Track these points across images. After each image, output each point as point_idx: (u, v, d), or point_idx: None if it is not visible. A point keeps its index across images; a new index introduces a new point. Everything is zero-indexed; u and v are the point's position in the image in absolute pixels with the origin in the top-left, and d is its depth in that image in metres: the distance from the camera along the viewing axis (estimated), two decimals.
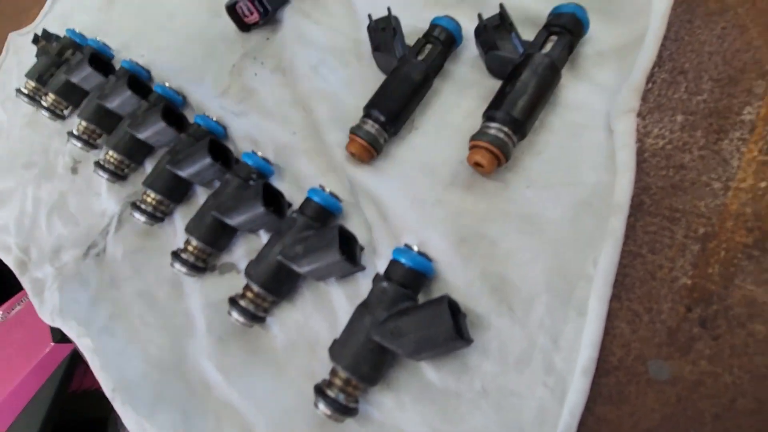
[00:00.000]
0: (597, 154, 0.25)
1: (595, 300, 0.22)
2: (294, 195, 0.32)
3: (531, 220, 0.25)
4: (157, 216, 0.35)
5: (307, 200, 0.28)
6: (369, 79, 0.33)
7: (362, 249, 0.27)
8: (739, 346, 0.20)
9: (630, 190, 0.23)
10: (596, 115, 0.26)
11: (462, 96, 0.31)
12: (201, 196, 0.36)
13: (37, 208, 0.43)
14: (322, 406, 0.23)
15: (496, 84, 0.28)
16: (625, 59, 0.27)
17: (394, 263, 0.24)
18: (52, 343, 1.25)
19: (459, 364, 0.23)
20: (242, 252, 0.32)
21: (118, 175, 0.38)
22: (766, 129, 0.23)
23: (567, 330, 0.22)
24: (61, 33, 0.51)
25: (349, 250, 0.26)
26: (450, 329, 0.21)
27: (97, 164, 0.38)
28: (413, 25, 0.33)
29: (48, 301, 0.37)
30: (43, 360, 1.22)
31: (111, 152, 0.38)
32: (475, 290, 0.25)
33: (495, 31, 0.28)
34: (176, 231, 0.35)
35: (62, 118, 0.47)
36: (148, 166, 0.39)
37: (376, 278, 0.25)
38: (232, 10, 0.39)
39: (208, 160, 0.32)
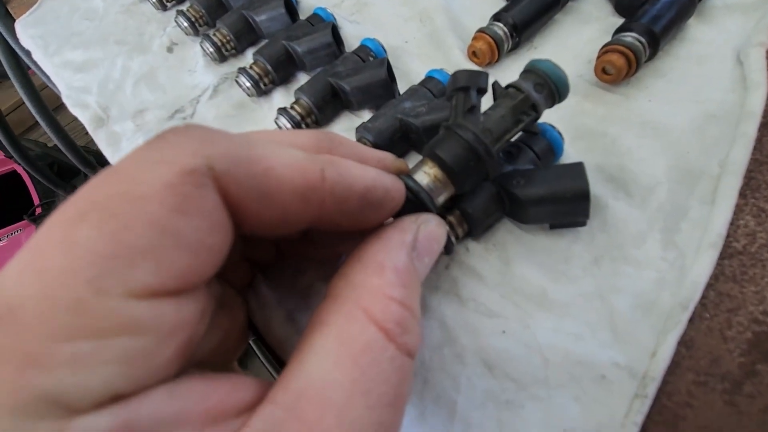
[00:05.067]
0: (723, 80, 0.26)
1: (723, 189, 0.22)
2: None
3: (652, 126, 0.26)
4: (261, 87, 0.35)
5: (428, 77, 0.29)
6: (490, 4, 0.35)
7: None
8: None
9: (763, 103, 0.24)
10: (723, 50, 0.27)
11: (584, 27, 0.32)
12: (302, 83, 0.36)
13: (124, 76, 0.43)
14: None
15: (618, 21, 0.30)
16: (751, 15, 0.29)
17: (532, 135, 0.25)
18: None
19: (571, 236, 0.23)
20: (341, 127, 0.32)
21: (221, 52, 0.39)
22: None
23: (689, 215, 0.22)
24: None
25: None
26: (584, 187, 0.21)
27: (206, 36, 0.39)
28: None
29: (125, 150, 0.37)
30: None
31: (221, 29, 0.39)
32: (591, 178, 0.25)
33: None
34: (273, 107, 0.36)
35: (165, 9, 0.49)
36: (248, 56, 0.40)
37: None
38: None
39: (329, 39, 0.33)
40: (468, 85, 0.20)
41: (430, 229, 0.17)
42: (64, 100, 0.45)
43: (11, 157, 1.13)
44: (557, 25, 0.33)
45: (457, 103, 0.21)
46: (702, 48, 0.28)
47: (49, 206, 1.24)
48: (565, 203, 0.22)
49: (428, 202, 0.19)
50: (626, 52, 0.26)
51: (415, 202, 0.19)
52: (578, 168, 0.22)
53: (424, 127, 0.26)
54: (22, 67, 0.69)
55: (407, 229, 0.16)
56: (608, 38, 0.28)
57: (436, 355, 0.22)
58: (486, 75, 0.21)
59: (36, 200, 1.21)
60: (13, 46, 0.62)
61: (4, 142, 0.79)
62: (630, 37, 0.26)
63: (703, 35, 0.29)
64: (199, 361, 0.15)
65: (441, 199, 0.20)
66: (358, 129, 0.28)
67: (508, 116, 0.20)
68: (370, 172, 0.16)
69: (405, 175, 0.19)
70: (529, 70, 0.21)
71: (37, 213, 1.22)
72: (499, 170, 0.20)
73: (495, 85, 0.22)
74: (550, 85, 0.20)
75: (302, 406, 0.11)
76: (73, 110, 0.43)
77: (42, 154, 1.18)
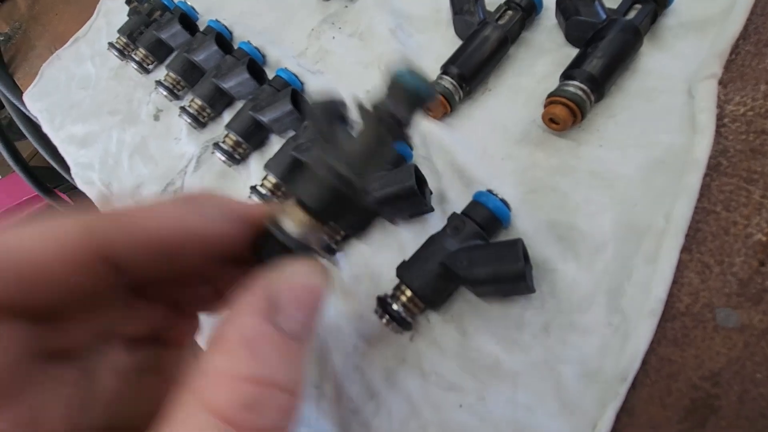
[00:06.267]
0: (674, 118, 0.26)
1: (667, 247, 0.22)
2: None
3: (602, 176, 0.26)
4: (236, 157, 0.37)
5: None
6: (445, 44, 0.35)
7: (431, 193, 0.29)
8: None
9: (708, 149, 0.24)
10: (675, 82, 0.27)
11: (537, 62, 0.32)
12: (275, 145, 0.38)
13: (120, 149, 0.47)
14: (384, 316, 0.25)
15: (572, 52, 0.29)
16: (708, 32, 0.27)
17: (474, 204, 0.26)
18: None
19: (522, 302, 0.25)
20: None
21: (199, 120, 0.41)
22: None
23: (634, 277, 0.23)
24: None
25: (420, 191, 0.28)
26: (520, 271, 0.22)
27: (182, 109, 0.41)
28: None
29: None
30: None
31: (195, 99, 0.41)
32: (542, 237, 0.26)
33: None
34: (250, 174, 0.38)
35: (148, 72, 0.51)
36: (226, 117, 0.42)
37: (453, 216, 0.26)
38: None
39: (289, 107, 0.35)
40: (323, 117, 0.18)
41: (297, 281, 0.14)
42: (73, 176, 0.49)
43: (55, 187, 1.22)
44: (510, 60, 0.33)
45: (316, 134, 0.18)
46: (653, 81, 0.27)
47: None
48: (505, 283, 0.23)
49: (300, 249, 0.17)
50: (569, 104, 0.26)
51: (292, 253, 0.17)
52: (515, 248, 0.22)
53: (378, 201, 0.27)
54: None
55: (257, 290, 0.14)
56: (560, 72, 0.28)
57: (404, 428, 0.24)
58: (341, 102, 0.19)
59: None
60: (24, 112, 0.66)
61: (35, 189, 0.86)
62: (572, 86, 0.26)
63: (655, 64, 0.28)
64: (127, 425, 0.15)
65: (315, 239, 0.18)
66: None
67: (370, 135, 0.17)
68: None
69: (273, 225, 0.17)
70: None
71: None
72: (367, 200, 0.18)
73: (359, 106, 0.18)
74: (401, 91, 0.16)
75: None
76: (82, 188, 0.47)
77: None
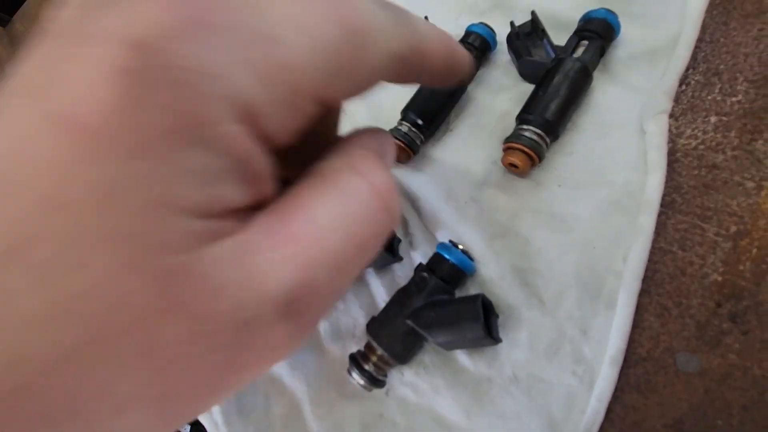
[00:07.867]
0: (628, 155, 0.26)
1: (624, 293, 0.23)
2: None
3: (562, 218, 0.26)
4: None
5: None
6: (405, 86, 0.35)
7: (399, 241, 0.29)
8: None
9: (661, 189, 0.24)
10: (628, 117, 0.27)
11: (495, 100, 0.32)
12: None
13: None
14: (355, 375, 0.25)
15: (528, 88, 0.29)
16: (658, 61, 0.28)
17: (437, 257, 0.26)
18: None
19: (491, 352, 0.25)
20: None
21: None
22: None
23: (596, 322, 0.23)
24: None
25: (390, 243, 0.28)
26: (480, 329, 0.22)
27: None
28: (448, 32, 0.35)
29: None
30: None
31: None
32: (507, 284, 0.26)
33: (527, 37, 0.30)
34: None
35: None
36: None
37: (419, 267, 0.26)
38: None
39: None
40: None
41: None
42: None
43: None
44: (469, 99, 0.33)
45: None
46: (607, 116, 0.27)
47: None
48: (468, 341, 0.23)
49: None
50: (526, 150, 0.26)
51: None
52: (475, 306, 0.23)
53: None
54: None
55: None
56: (519, 108, 0.28)
57: None
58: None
59: None
60: None
61: None
62: (528, 131, 0.26)
63: (607, 99, 0.28)
64: None
65: None
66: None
67: None
68: None
69: None
70: None
71: None
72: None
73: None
74: None
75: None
76: None
77: None
